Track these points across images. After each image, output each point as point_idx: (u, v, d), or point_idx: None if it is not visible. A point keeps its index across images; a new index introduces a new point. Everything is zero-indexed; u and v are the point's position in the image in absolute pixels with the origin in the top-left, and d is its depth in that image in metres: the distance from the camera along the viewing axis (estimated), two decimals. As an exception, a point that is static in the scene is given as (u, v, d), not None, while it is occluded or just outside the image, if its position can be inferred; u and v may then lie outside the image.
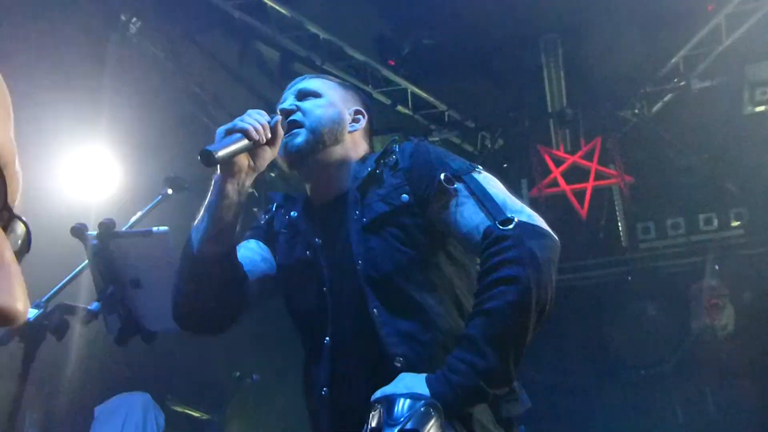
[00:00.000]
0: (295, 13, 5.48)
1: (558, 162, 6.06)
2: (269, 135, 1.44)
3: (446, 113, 6.19)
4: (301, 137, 1.56)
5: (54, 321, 1.67)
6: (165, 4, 5.28)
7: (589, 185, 5.93)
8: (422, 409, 1.18)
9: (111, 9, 5.19)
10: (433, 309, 1.44)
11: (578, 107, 5.90)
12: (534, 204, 6.07)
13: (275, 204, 1.74)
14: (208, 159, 1.34)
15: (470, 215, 1.40)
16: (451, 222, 1.44)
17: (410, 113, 6.07)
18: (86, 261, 1.69)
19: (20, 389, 1.53)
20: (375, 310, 1.43)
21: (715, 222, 6.09)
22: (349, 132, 1.65)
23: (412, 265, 1.47)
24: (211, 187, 1.46)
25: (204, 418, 6.16)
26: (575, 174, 6.03)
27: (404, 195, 1.50)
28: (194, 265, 1.45)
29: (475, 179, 1.45)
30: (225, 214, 1.43)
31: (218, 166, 1.40)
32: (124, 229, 1.81)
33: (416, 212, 1.49)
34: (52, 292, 1.63)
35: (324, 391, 1.48)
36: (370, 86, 5.83)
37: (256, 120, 1.42)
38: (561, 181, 5.98)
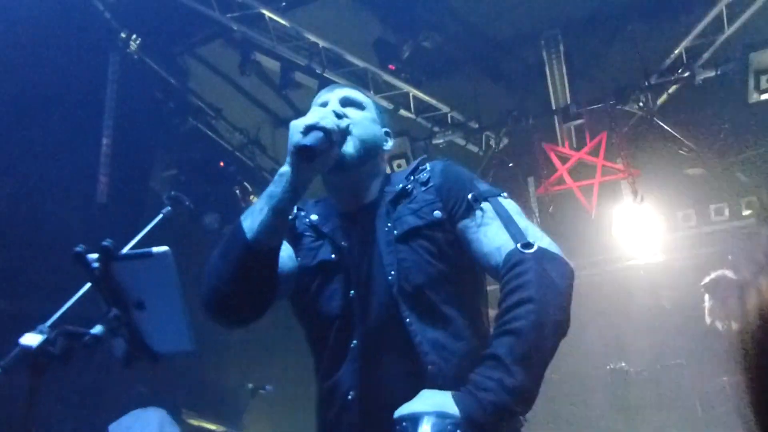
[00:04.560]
0: (294, 22, 5.48)
1: (564, 159, 6.02)
2: (339, 138, 1.47)
3: (449, 115, 6.18)
4: (354, 147, 1.56)
5: (58, 347, 1.65)
6: (163, 20, 5.31)
7: (596, 181, 5.88)
8: (449, 427, 1.19)
9: (110, 27, 5.22)
10: (458, 321, 1.50)
11: (582, 103, 5.85)
12: (541, 202, 6.05)
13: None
14: (311, 153, 1.36)
15: (493, 236, 1.46)
16: (474, 240, 1.49)
17: (413, 116, 6.06)
18: (87, 285, 1.68)
19: (28, 416, 1.53)
20: (407, 319, 1.46)
21: (726, 212, 6.02)
22: (383, 150, 1.69)
23: (441, 278, 1.51)
24: (276, 179, 1.45)
25: (220, 430, 6.16)
26: (582, 170, 5.99)
27: (437, 211, 1.55)
28: (245, 252, 1.42)
29: (500, 203, 1.52)
30: (286, 208, 1.45)
31: (292, 159, 1.42)
32: (124, 250, 1.80)
33: (447, 228, 1.54)
34: (54, 317, 1.62)
35: (351, 394, 1.47)
36: (371, 92, 5.83)
37: (333, 122, 1.46)
38: (567, 178, 5.94)
